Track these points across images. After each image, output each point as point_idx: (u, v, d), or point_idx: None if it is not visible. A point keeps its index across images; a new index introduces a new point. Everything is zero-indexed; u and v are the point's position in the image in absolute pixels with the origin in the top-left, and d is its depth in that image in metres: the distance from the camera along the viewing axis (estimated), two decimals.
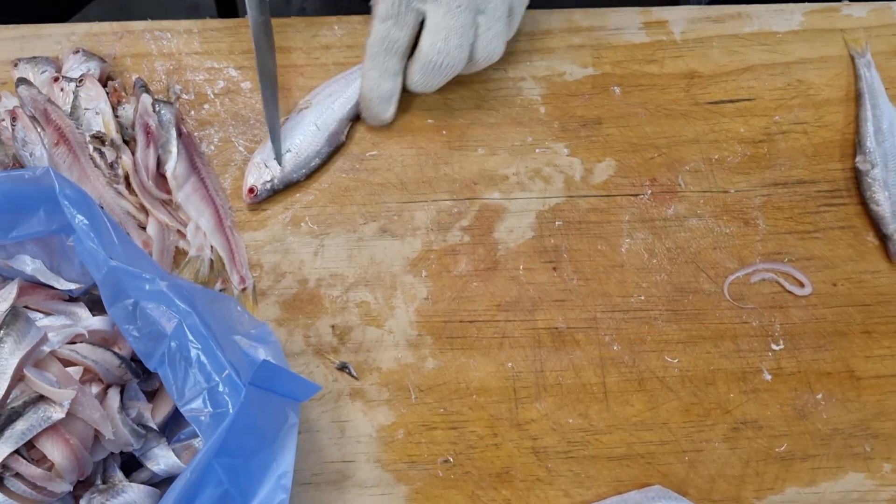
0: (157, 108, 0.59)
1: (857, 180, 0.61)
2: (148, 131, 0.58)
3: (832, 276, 0.59)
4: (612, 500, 0.53)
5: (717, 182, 0.61)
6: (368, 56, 0.59)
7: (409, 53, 0.59)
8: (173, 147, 0.58)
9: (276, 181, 0.59)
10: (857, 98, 0.63)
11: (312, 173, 0.61)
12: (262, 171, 0.60)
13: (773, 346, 0.57)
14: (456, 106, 0.63)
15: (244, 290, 0.57)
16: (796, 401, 0.56)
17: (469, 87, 0.63)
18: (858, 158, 0.61)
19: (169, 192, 0.58)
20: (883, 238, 0.59)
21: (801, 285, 0.59)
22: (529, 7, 0.66)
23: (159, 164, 0.59)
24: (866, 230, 0.60)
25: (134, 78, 0.62)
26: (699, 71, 0.64)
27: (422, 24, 0.58)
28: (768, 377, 0.56)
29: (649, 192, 0.61)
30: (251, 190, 0.59)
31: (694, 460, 0.55)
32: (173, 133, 0.59)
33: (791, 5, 0.67)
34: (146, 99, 0.59)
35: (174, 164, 0.58)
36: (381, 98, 0.60)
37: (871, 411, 0.56)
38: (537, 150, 0.62)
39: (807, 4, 0.67)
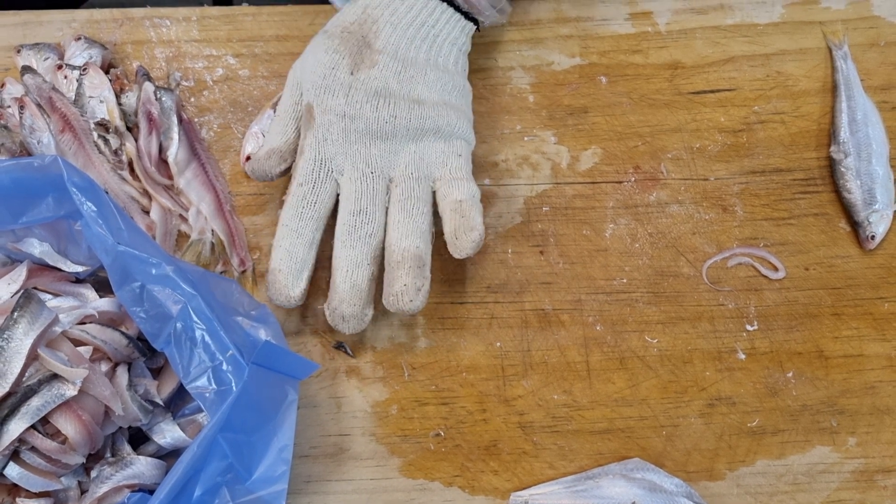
0: (158, 96, 0.61)
1: (831, 169, 0.64)
2: (151, 118, 0.60)
3: (805, 260, 0.62)
4: (594, 471, 0.56)
5: (697, 170, 0.64)
6: (281, 223, 0.56)
7: (323, 228, 0.57)
8: (175, 134, 0.60)
9: None
10: (834, 89, 0.66)
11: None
12: (259, 141, 0.62)
13: (748, 327, 0.60)
14: None
15: (244, 272, 0.60)
16: (768, 379, 0.59)
17: None
18: (833, 148, 0.64)
19: (171, 177, 0.60)
20: (854, 225, 0.62)
21: (776, 269, 0.62)
22: None
23: (161, 150, 0.61)
24: (838, 217, 0.63)
25: (136, 66, 0.64)
26: (682, 61, 0.67)
27: (337, 198, 0.57)
28: (742, 356, 0.59)
29: (633, 179, 0.64)
30: (249, 158, 0.61)
31: (671, 434, 0.58)
32: (174, 120, 0.61)
33: None
34: (148, 87, 0.61)
35: (176, 151, 0.60)
36: (291, 271, 0.55)
37: (838, 389, 0.59)
38: (526, 138, 0.64)
39: None
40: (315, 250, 0.56)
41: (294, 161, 0.58)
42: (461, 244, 0.55)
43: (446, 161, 0.58)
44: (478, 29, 0.62)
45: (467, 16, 0.61)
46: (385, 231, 0.56)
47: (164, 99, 0.61)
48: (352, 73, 0.57)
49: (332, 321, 0.55)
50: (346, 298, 0.55)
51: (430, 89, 0.58)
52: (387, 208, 0.57)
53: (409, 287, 0.54)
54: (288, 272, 0.55)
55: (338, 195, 0.57)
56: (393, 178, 0.57)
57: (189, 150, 0.61)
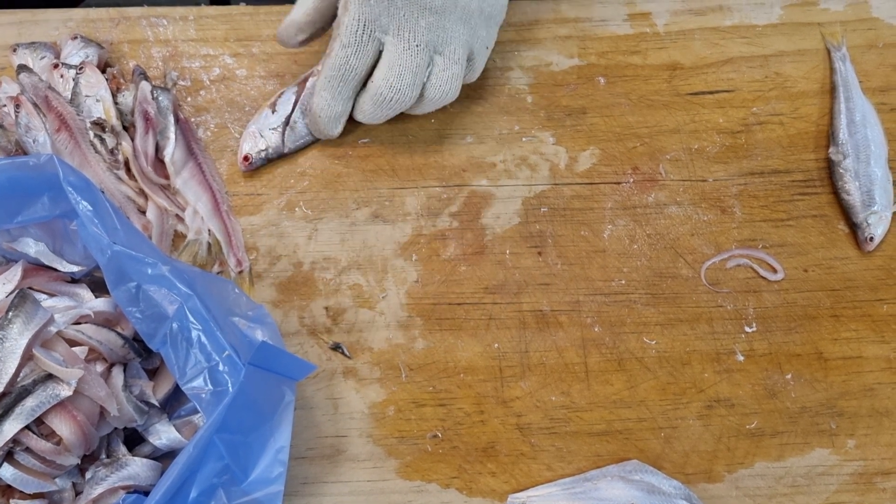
0: (155, 95, 0.61)
1: (830, 170, 0.64)
2: (147, 118, 0.60)
3: (804, 262, 0.62)
4: (592, 473, 0.56)
5: (696, 171, 0.64)
6: (324, 77, 0.59)
7: (364, 80, 0.59)
8: (171, 133, 0.60)
9: (270, 150, 0.62)
10: (832, 91, 0.66)
11: (306, 147, 0.63)
12: (257, 140, 0.61)
13: (746, 329, 0.60)
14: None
15: (241, 272, 0.59)
16: (767, 380, 0.59)
17: None
18: (831, 149, 0.64)
19: (167, 177, 0.60)
20: (853, 226, 0.62)
21: (774, 271, 0.61)
22: None
23: (158, 149, 0.60)
24: (837, 219, 0.63)
25: (132, 65, 0.63)
26: (681, 62, 0.67)
27: (380, 55, 0.58)
28: (741, 358, 0.59)
29: (631, 180, 0.63)
30: (246, 158, 0.61)
31: (669, 436, 0.57)
32: (171, 119, 0.60)
33: None
34: (145, 86, 0.60)
35: (172, 150, 0.60)
36: (331, 118, 0.60)
37: (837, 391, 0.59)
38: (524, 139, 0.64)
39: None
40: (352, 102, 0.60)
41: (313, 32, 0.60)
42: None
43: (482, 49, 0.60)
44: None
45: None
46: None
47: (160, 98, 0.60)
48: None
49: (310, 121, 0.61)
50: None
51: None
52: (423, 84, 0.58)
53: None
54: (327, 119, 0.60)
55: (380, 52, 0.58)
56: (437, 57, 0.58)
57: (186, 149, 0.61)
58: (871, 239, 0.61)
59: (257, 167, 0.62)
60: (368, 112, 0.60)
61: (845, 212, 0.63)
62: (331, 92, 0.59)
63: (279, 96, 0.63)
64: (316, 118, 0.60)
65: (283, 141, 0.61)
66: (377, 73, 0.58)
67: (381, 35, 0.57)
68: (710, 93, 0.66)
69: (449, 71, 0.58)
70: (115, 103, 0.60)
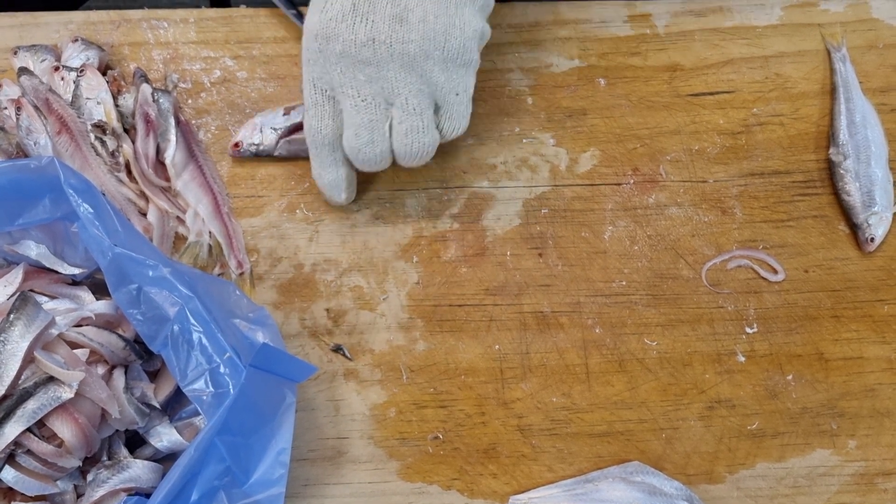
0: (155, 98, 0.61)
1: (830, 171, 0.64)
2: (148, 120, 0.60)
3: (804, 263, 0.62)
4: (593, 474, 0.56)
5: (696, 172, 0.64)
6: (309, 148, 0.58)
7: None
8: (172, 135, 0.60)
9: (261, 147, 0.62)
10: (832, 91, 0.66)
11: (297, 158, 0.63)
12: (254, 132, 0.62)
13: (747, 330, 0.60)
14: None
15: (242, 274, 0.59)
16: (768, 381, 0.59)
17: None
18: (832, 150, 0.64)
19: (168, 179, 0.60)
20: (853, 227, 0.62)
21: (775, 272, 0.61)
22: None
23: (158, 152, 0.60)
24: (838, 219, 0.63)
25: (133, 68, 0.63)
26: (681, 64, 0.67)
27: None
28: (742, 359, 0.59)
29: (632, 181, 0.63)
30: (237, 144, 0.62)
31: (671, 437, 0.57)
32: (172, 122, 0.60)
33: (771, 0, 0.69)
34: (146, 89, 0.60)
35: (173, 152, 0.60)
36: (328, 185, 0.59)
37: (838, 391, 0.59)
38: (524, 140, 0.64)
39: None
40: (345, 165, 0.58)
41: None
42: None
43: (447, 94, 0.55)
44: None
45: None
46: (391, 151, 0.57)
47: (161, 101, 0.61)
48: None
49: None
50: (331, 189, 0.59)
51: (413, 4, 0.53)
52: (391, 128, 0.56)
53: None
54: (331, 190, 0.59)
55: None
56: (394, 110, 0.55)
57: (186, 151, 0.61)
58: (872, 239, 0.61)
59: (244, 158, 0.62)
60: (367, 170, 0.58)
61: (846, 212, 0.63)
62: (317, 161, 0.58)
63: (298, 105, 0.63)
64: (323, 192, 0.60)
65: (276, 144, 0.62)
66: (344, 136, 0.56)
67: (331, 93, 0.55)
68: (711, 94, 0.66)
69: (406, 123, 0.55)
70: (116, 105, 0.60)
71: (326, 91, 0.55)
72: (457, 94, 0.56)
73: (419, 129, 0.55)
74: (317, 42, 0.54)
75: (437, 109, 0.56)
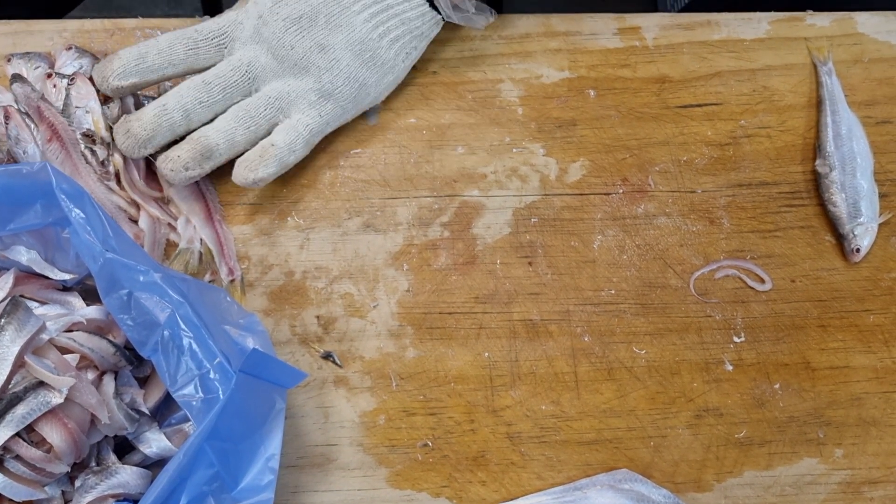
0: (145, 105, 0.61)
1: (817, 183, 0.64)
2: None
3: (791, 273, 0.62)
4: (582, 482, 0.56)
5: (685, 182, 0.64)
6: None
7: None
8: None
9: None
10: (819, 104, 0.67)
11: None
12: None
13: (735, 339, 0.60)
14: (437, 106, 0.65)
15: (233, 281, 0.60)
16: (755, 390, 0.59)
17: (450, 88, 0.66)
18: (818, 162, 0.64)
19: (160, 189, 0.60)
20: (839, 238, 0.63)
21: (762, 281, 0.62)
22: (508, 11, 0.69)
23: (150, 160, 0.61)
24: (824, 230, 0.64)
25: None
26: (670, 76, 0.67)
27: None
28: (730, 368, 0.60)
29: (621, 191, 0.64)
30: None
31: (659, 445, 0.58)
32: None
33: (758, 14, 0.70)
34: (129, 99, 0.60)
35: None
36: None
37: (824, 400, 0.59)
38: (514, 150, 0.65)
39: (773, 14, 0.70)
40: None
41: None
42: (239, 174, 0.59)
43: (305, 113, 0.60)
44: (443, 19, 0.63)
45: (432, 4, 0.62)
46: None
47: None
48: None
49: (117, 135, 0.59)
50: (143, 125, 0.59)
51: (345, 46, 0.60)
52: (228, 106, 0.60)
53: (182, 159, 0.58)
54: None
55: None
56: (254, 91, 0.60)
57: None
58: (858, 250, 0.62)
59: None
60: (170, 97, 0.60)
61: (832, 223, 0.63)
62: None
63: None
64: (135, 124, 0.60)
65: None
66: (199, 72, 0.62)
67: (222, 49, 0.62)
68: (699, 106, 0.67)
69: (253, 112, 0.60)
70: (105, 115, 0.60)
71: (223, 46, 0.61)
72: (306, 126, 0.60)
73: (258, 122, 0.60)
74: (258, 21, 0.60)
75: (274, 125, 0.61)
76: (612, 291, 0.61)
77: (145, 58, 0.59)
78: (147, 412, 0.52)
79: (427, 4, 0.61)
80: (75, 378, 0.48)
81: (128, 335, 0.49)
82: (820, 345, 0.60)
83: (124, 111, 0.61)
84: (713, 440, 0.58)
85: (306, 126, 0.60)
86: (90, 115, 0.60)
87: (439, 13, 0.62)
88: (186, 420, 0.54)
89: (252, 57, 0.60)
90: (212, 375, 0.47)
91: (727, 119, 0.66)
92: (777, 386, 0.59)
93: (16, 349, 0.47)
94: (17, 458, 0.47)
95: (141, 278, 0.48)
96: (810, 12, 0.70)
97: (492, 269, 0.62)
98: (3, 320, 0.47)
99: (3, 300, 0.51)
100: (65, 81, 0.60)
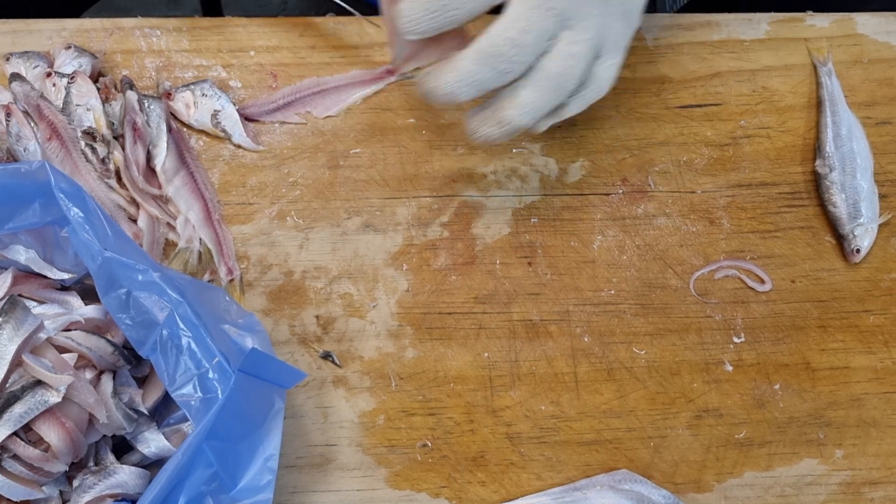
0: (147, 105, 0.61)
1: (817, 183, 0.64)
2: (135, 128, 0.60)
3: (791, 273, 0.62)
4: (581, 482, 0.56)
5: (684, 183, 0.64)
6: (486, 50, 0.51)
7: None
8: (163, 142, 0.60)
9: None
10: (818, 105, 0.67)
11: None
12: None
13: (735, 339, 0.60)
14: (437, 106, 0.65)
15: (231, 280, 0.59)
16: (755, 391, 0.59)
17: None
18: (818, 162, 0.64)
19: (159, 186, 0.60)
20: (839, 238, 0.63)
21: (762, 282, 0.62)
22: None
23: (149, 159, 0.61)
24: (824, 230, 0.64)
25: (122, 74, 0.63)
26: (670, 76, 0.67)
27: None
28: (729, 368, 0.60)
29: (621, 191, 0.64)
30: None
31: (659, 446, 0.58)
32: (164, 129, 0.60)
33: (758, 15, 0.70)
34: (131, 96, 0.60)
35: (163, 159, 0.60)
36: (411, 30, 0.52)
37: (824, 401, 0.59)
38: (514, 150, 0.65)
39: (773, 14, 0.70)
40: (442, 29, 0.52)
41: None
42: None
43: (615, 46, 0.54)
44: None
45: None
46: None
47: (152, 107, 0.61)
48: None
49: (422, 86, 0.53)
50: (440, 97, 0.52)
51: None
52: (539, 58, 0.52)
53: (488, 122, 0.53)
54: (407, 26, 0.51)
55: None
56: (565, 32, 0.52)
57: (178, 158, 0.61)
58: (858, 251, 0.62)
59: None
60: (464, 68, 0.51)
61: (832, 224, 0.63)
62: (424, 5, 0.50)
63: None
64: (400, 15, 0.51)
65: None
66: (493, 26, 0.50)
67: (559, 19, 0.51)
68: (699, 106, 0.67)
69: (574, 48, 0.51)
70: (106, 112, 0.60)
71: (556, 16, 0.51)
72: (619, 49, 0.55)
73: (583, 56, 0.52)
74: None
75: (596, 56, 0.54)
76: (612, 292, 0.61)
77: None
78: (145, 412, 0.52)
79: None
80: (73, 377, 0.47)
81: (126, 334, 0.49)
82: (820, 345, 0.60)
83: (126, 109, 0.60)
84: (713, 441, 0.58)
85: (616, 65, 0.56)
86: (91, 112, 0.60)
87: None
88: (185, 420, 0.53)
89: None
90: (210, 375, 0.47)
91: (727, 119, 0.66)
92: (777, 386, 0.59)
93: (13, 348, 0.46)
94: (15, 457, 0.47)
95: (139, 277, 0.48)
96: (810, 13, 0.70)
97: (491, 269, 0.61)
98: (0, 319, 0.47)
99: (1, 299, 0.51)
100: (64, 80, 0.60)
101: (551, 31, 0.51)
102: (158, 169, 0.60)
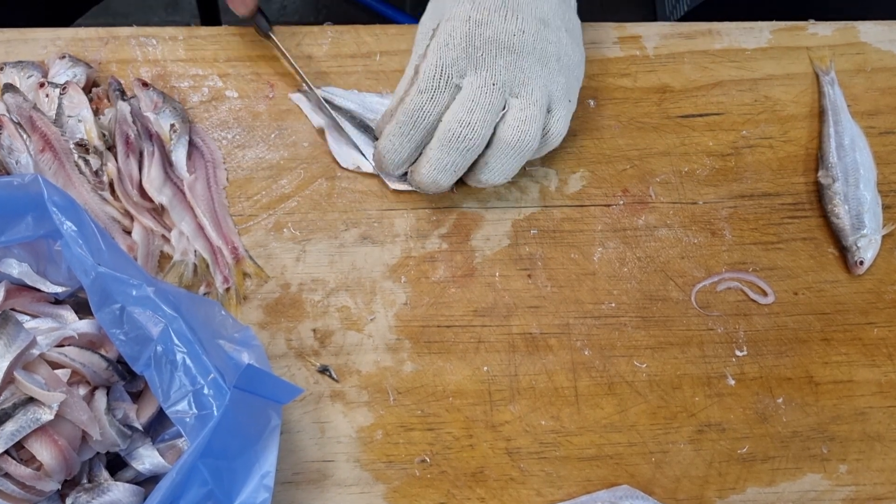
0: (161, 110, 0.61)
1: (819, 194, 0.64)
2: (127, 141, 0.59)
3: (794, 285, 0.62)
4: (582, 499, 0.55)
5: (686, 194, 0.64)
6: (396, 122, 0.58)
7: (433, 129, 0.58)
8: (183, 149, 0.61)
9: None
10: (821, 114, 0.66)
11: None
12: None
13: (737, 353, 0.60)
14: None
15: (228, 289, 0.59)
16: (758, 405, 0.58)
17: None
18: (820, 173, 0.64)
19: (151, 199, 0.60)
20: (842, 250, 0.62)
21: (765, 294, 0.61)
22: None
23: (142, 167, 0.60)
24: (827, 242, 0.63)
25: (112, 84, 0.62)
26: (671, 85, 0.67)
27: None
28: (732, 382, 0.59)
29: (621, 202, 0.63)
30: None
31: (660, 461, 0.57)
32: (185, 139, 0.61)
33: (760, 23, 0.69)
34: (124, 108, 0.60)
35: (183, 158, 0.61)
36: (395, 162, 0.59)
37: (828, 415, 0.58)
38: None
39: (775, 23, 0.69)
40: (420, 148, 0.59)
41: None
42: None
43: (562, 99, 0.59)
44: None
45: None
46: (485, 146, 0.58)
47: (165, 111, 0.61)
48: None
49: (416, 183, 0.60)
50: (427, 187, 0.59)
51: (553, 14, 0.59)
52: (496, 126, 0.57)
53: (471, 183, 0.60)
54: (390, 162, 0.59)
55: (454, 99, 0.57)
56: (513, 100, 0.57)
57: (164, 170, 0.60)
58: (861, 263, 0.61)
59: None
60: (434, 158, 0.57)
61: (835, 235, 0.63)
62: (399, 138, 0.58)
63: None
64: (380, 158, 0.60)
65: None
66: (448, 113, 0.57)
67: (458, 80, 0.57)
68: (700, 116, 0.66)
69: (526, 112, 0.57)
70: (99, 124, 0.60)
71: (452, 78, 0.57)
72: (569, 101, 0.60)
73: (536, 119, 0.57)
74: (467, 25, 0.57)
75: (548, 111, 0.59)
76: (613, 304, 0.60)
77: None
78: (140, 428, 0.51)
79: None
80: (66, 394, 0.47)
81: (120, 350, 0.48)
82: (823, 358, 0.60)
83: (118, 120, 0.60)
84: (715, 456, 0.57)
85: (568, 115, 0.61)
86: (83, 124, 0.59)
87: None
88: (180, 436, 0.53)
89: (489, 68, 0.57)
90: (206, 391, 0.46)
91: (729, 129, 0.66)
92: (780, 400, 0.59)
93: (5, 364, 0.46)
94: (7, 476, 0.46)
95: (133, 292, 0.47)
96: (812, 21, 0.69)
97: (491, 281, 0.61)
98: None
99: None
100: (57, 91, 0.60)
101: (499, 104, 0.57)
102: (179, 171, 0.61)
